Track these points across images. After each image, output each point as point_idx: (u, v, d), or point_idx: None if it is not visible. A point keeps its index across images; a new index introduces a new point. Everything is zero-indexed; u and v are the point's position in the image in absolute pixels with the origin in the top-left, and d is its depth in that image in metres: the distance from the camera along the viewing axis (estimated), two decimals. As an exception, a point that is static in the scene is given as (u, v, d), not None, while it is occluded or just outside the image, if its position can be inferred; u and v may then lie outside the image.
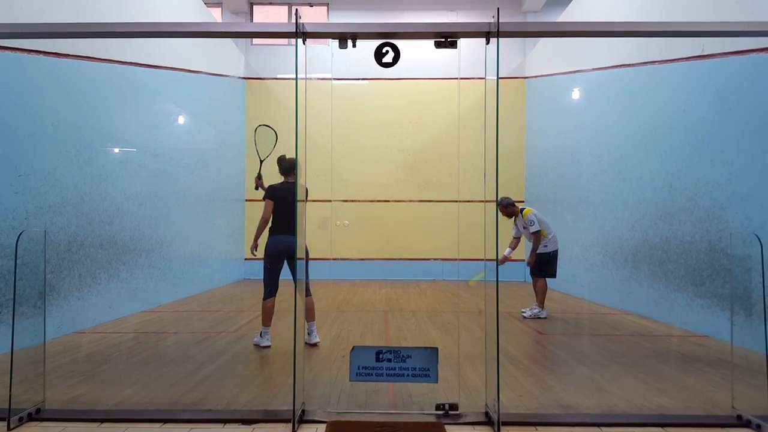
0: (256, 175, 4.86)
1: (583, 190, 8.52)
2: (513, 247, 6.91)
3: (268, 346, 4.71)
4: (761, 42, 4.72)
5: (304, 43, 3.10)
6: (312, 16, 12.13)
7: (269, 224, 4.75)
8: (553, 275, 6.57)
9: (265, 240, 4.76)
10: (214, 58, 10.01)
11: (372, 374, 3.03)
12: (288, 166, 4.78)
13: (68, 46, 5.49)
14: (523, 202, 11.40)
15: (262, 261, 4.73)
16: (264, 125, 4.93)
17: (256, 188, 4.92)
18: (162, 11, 7.51)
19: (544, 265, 6.50)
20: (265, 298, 4.69)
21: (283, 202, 4.66)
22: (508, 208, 6.62)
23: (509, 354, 4.55)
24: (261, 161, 4.90)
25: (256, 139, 4.91)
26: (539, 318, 6.39)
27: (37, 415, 2.97)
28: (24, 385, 3.04)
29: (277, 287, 4.70)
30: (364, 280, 10.46)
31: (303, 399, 3.06)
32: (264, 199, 4.74)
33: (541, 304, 6.49)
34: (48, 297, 4.89)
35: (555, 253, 6.52)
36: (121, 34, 3.80)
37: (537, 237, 6.40)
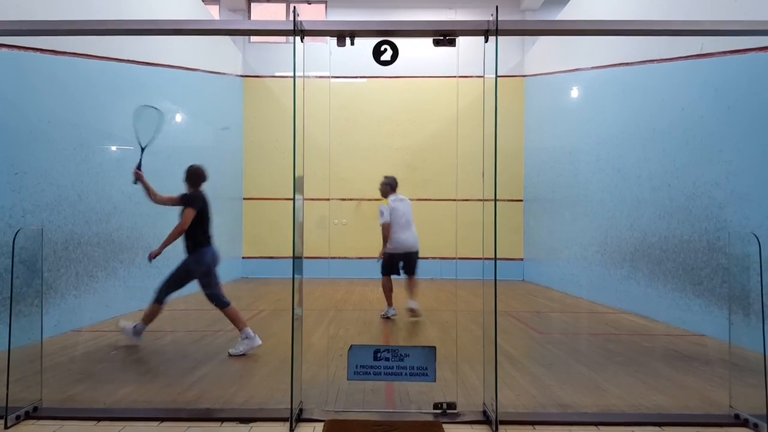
0: (136, 166, 4.51)
1: (582, 189, 8.52)
2: None
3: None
4: (760, 41, 4.72)
5: (302, 41, 3.09)
6: (310, 14, 12.10)
7: (194, 234, 4.55)
8: (397, 273, 6.12)
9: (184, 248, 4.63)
10: (212, 56, 9.97)
11: (370, 373, 3.02)
12: (204, 177, 4.75)
13: (65, 44, 5.46)
14: (521, 201, 11.42)
15: (186, 267, 4.58)
16: (146, 106, 4.51)
17: (135, 182, 4.59)
18: (159, 9, 7.48)
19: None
20: (224, 307, 4.54)
21: (208, 211, 4.59)
22: (384, 187, 6.09)
23: (507, 353, 4.55)
24: (142, 149, 4.54)
25: (135, 123, 4.52)
26: (388, 317, 6.02)
27: (34, 414, 2.97)
28: (21, 384, 3.03)
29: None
30: (362, 279, 10.44)
31: (300, 398, 3.05)
32: (187, 206, 4.53)
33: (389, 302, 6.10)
34: (45, 295, 4.87)
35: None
36: (119, 31, 3.79)
37: (383, 229, 5.91)
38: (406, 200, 6.05)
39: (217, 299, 4.54)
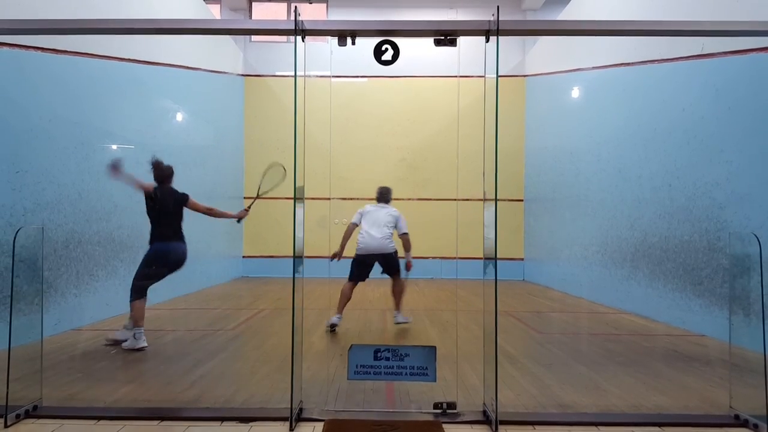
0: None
1: (582, 189, 8.52)
2: None
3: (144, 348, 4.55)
4: (761, 41, 4.72)
5: (303, 41, 3.09)
6: (311, 14, 12.10)
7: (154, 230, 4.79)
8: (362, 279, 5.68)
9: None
10: (213, 55, 9.97)
11: (370, 373, 3.03)
12: (168, 174, 4.91)
13: (67, 43, 5.46)
14: (521, 200, 11.42)
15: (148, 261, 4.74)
16: (279, 164, 4.92)
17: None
18: (161, 8, 7.48)
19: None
20: (138, 298, 4.61)
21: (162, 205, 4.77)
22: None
23: (507, 353, 4.55)
24: (258, 195, 5.02)
25: (266, 175, 4.98)
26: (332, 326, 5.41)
27: (34, 412, 2.97)
28: (21, 383, 3.04)
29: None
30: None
31: (300, 397, 3.05)
32: (187, 197, 4.89)
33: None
34: (45, 294, 4.87)
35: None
36: (120, 30, 3.79)
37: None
38: (390, 210, 5.67)
39: (136, 291, 4.64)
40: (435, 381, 3.03)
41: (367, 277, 5.66)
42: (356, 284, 5.62)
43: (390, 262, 5.63)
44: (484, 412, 2.98)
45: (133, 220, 6.66)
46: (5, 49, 4.64)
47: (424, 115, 11.41)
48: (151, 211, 4.74)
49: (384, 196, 5.87)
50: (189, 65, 8.44)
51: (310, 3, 12.15)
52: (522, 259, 11.39)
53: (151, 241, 4.74)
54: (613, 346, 5.00)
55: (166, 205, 4.71)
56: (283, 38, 11.26)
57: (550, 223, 10.10)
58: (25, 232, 3.37)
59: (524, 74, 11.56)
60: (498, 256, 2.98)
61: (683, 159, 5.88)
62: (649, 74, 6.67)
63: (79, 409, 3.08)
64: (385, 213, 5.66)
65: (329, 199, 10.37)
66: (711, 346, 4.96)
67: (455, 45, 3.11)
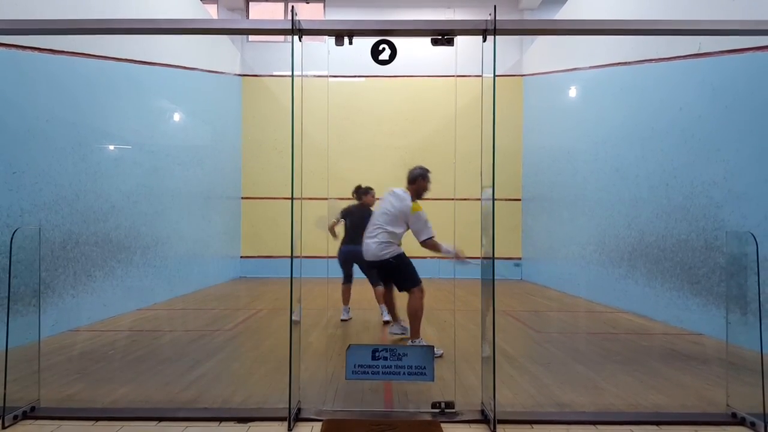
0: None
1: (580, 188, 8.53)
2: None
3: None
4: (758, 40, 4.73)
5: (300, 40, 3.09)
6: (308, 13, 12.09)
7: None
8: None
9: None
10: (210, 55, 9.96)
11: (368, 372, 3.03)
12: (360, 193, 6.21)
13: (63, 43, 5.45)
14: (519, 200, 11.42)
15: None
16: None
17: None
18: (158, 8, 7.46)
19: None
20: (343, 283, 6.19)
21: (349, 219, 6.12)
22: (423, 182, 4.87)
23: (505, 352, 4.55)
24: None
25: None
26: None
27: (31, 414, 2.96)
28: (19, 383, 3.03)
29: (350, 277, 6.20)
30: (360, 278, 10.45)
31: (299, 397, 3.05)
32: None
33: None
34: (43, 295, 4.86)
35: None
36: (117, 30, 3.78)
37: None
38: (392, 195, 4.86)
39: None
40: (433, 380, 3.03)
41: (372, 281, 5.85)
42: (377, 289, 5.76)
43: (381, 271, 4.98)
44: (482, 412, 2.99)
45: (131, 220, 6.66)
46: (2, 49, 4.62)
47: (422, 114, 11.41)
48: (347, 221, 6.09)
49: (407, 178, 4.93)
50: (186, 65, 8.43)
51: (308, 3, 12.13)
52: (520, 259, 11.41)
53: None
54: (610, 345, 5.01)
55: (358, 218, 5.78)
56: (281, 38, 11.25)
57: (547, 223, 10.11)
58: (22, 232, 3.36)
59: (521, 74, 11.56)
60: (496, 256, 2.98)
61: (680, 158, 5.90)
62: (646, 73, 6.68)
63: (76, 410, 3.07)
64: (382, 205, 4.87)
65: (327, 199, 10.36)
66: (708, 344, 4.97)
67: (452, 44, 3.11)
